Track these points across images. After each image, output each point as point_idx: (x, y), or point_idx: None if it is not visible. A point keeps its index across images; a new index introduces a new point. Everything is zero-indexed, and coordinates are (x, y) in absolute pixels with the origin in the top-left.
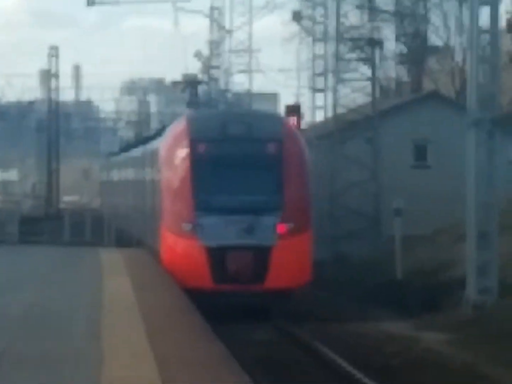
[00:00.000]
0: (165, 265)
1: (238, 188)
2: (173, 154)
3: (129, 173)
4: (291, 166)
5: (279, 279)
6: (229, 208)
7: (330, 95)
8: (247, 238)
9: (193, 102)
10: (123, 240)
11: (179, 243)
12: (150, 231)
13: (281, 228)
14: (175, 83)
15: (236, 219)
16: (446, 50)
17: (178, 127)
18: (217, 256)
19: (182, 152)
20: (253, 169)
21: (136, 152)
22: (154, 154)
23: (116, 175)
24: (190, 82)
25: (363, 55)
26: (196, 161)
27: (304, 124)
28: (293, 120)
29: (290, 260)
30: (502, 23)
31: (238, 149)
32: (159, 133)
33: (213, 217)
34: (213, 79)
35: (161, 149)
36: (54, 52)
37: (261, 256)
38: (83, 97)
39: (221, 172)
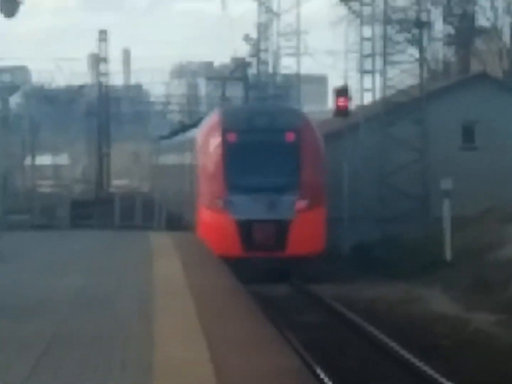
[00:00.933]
0: (201, 236)
1: (262, 170)
2: (208, 142)
3: (174, 158)
4: (307, 152)
5: (298, 247)
6: (255, 188)
7: (378, 77)
8: (270, 213)
9: (225, 97)
10: (173, 224)
11: (213, 217)
12: (190, 209)
13: (299, 204)
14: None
15: (260, 197)
16: (493, 31)
17: (212, 119)
18: (245, 228)
19: (215, 141)
20: (274, 154)
21: (180, 138)
22: (192, 142)
23: (164, 159)
24: (240, 65)
25: (410, 37)
26: (227, 148)
27: (352, 106)
28: (342, 100)
29: (306, 232)
30: None
31: (262, 138)
32: (197, 123)
33: (242, 195)
34: (261, 62)
35: (198, 138)
36: (103, 36)
37: (282, 228)
38: (133, 81)
39: (248, 157)
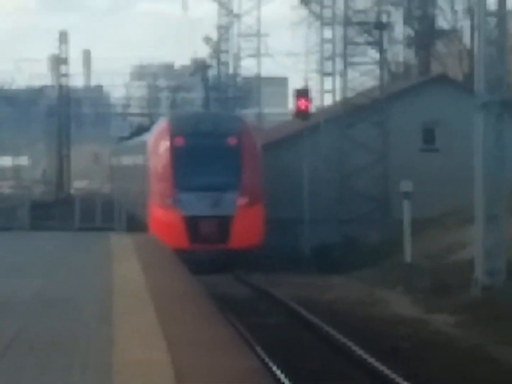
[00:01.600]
0: (152, 231)
1: (207, 171)
2: (158, 146)
3: (130, 160)
4: (246, 155)
5: (238, 240)
6: (200, 187)
7: (338, 79)
8: (213, 210)
9: (174, 105)
10: (134, 225)
11: (162, 213)
12: (142, 208)
13: (239, 201)
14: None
15: (205, 195)
16: (453, 33)
17: (161, 125)
18: (192, 223)
19: (164, 144)
20: (217, 157)
21: (135, 141)
22: (144, 145)
23: (122, 160)
24: (200, 67)
25: (371, 39)
26: (174, 151)
27: (312, 108)
28: (302, 102)
29: (246, 226)
30: (509, 5)
31: (206, 142)
32: (148, 127)
33: (188, 193)
34: (222, 64)
35: (148, 142)
36: (63, 37)
37: (224, 223)
38: (93, 82)
39: (194, 159)
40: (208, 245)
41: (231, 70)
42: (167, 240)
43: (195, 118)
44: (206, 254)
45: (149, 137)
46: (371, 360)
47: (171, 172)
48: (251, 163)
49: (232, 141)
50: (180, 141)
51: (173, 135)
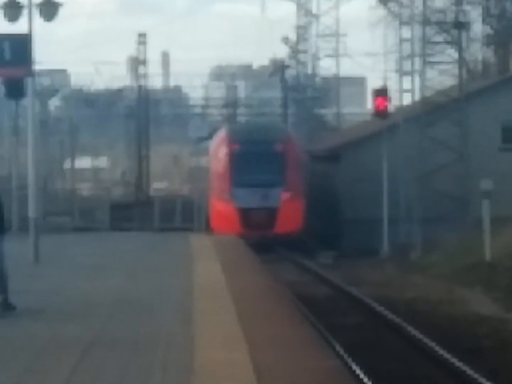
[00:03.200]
0: (212, 221)
1: (258, 171)
2: (218, 150)
3: (204, 161)
4: (290, 158)
5: (282, 227)
6: (252, 184)
7: (417, 78)
8: (263, 202)
9: (232, 117)
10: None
11: (222, 206)
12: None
13: (284, 196)
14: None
15: (256, 190)
16: None
17: (221, 133)
18: (245, 213)
19: (224, 150)
20: (266, 160)
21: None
22: (208, 150)
23: (199, 162)
24: (278, 67)
25: (449, 38)
26: (232, 155)
27: (391, 108)
28: (381, 102)
29: (289, 216)
30: None
31: (258, 147)
32: (213, 134)
33: (243, 189)
34: (300, 64)
35: (211, 147)
36: (142, 39)
37: (271, 213)
38: (172, 83)
39: (247, 162)
40: (258, 231)
41: (309, 70)
42: (225, 227)
43: (248, 128)
44: (257, 238)
45: (212, 143)
46: (454, 360)
47: (229, 171)
48: (294, 165)
49: (278, 147)
50: (236, 146)
51: (230, 142)
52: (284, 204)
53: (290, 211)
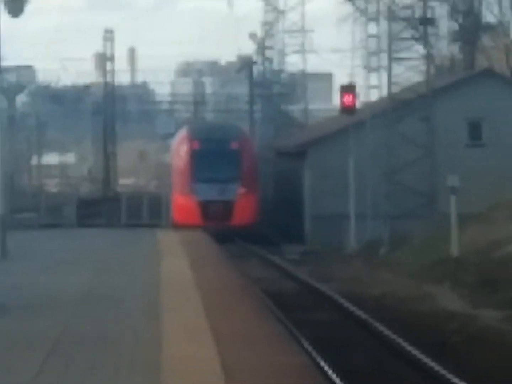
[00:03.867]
0: (174, 213)
1: (216, 167)
2: (180, 148)
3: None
4: (245, 156)
5: (238, 219)
6: (210, 179)
7: (384, 74)
8: (220, 196)
9: (194, 120)
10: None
11: (183, 199)
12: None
13: (239, 190)
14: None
15: (214, 185)
16: (500, 27)
17: (182, 132)
18: (204, 206)
19: (184, 147)
20: (223, 157)
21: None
22: (170, 147)
23: (168, 158)
24: (245, 63)
25: (416, 34)
26: (192, 152)
27: (358, 104)
28: (348, 98)
29: (244, 208)
30: None
31: (215, 146)
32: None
33: (202, 184)
34: (267, 60)
35: (173, 145)
36: (109, 35)
37: (228, 206)
38: (139, 79)
39: (206, 159)
40: (216, 222)
41: (276, 66)
42: (186, 219)
43: (207, 127)
44: (215, 229)
45: (173, 142)
46: (421, 356)
47: (189, 167)
48: (248, 162)
49: (234, 145)
50: (196, 144)
51: (191, 140)
52: (239, 198)
53: (245, 204)
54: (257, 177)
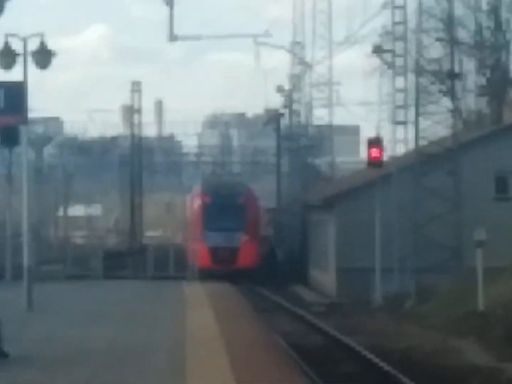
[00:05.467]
0: (189, 257)
1: (224, 218)
2: (194, 201)
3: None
4: (249, 209)
5: (242, 262)
6: (219, 228)
7: (411, 128)
8: (227, 243)
9: (209, 177)
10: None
11: (197, 244)
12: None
13: (243, 238)
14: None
15: (223, 233)
16: None
17: (196, 187)
18: (213, 251)
19: (198, 201)
20: (230, 209)
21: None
22: (186, 200)
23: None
24: (272, 116)
25: (444, 88)
26: (204, 206)
27: (385, 157)
28: (376, 151)
29: (247, 254)
30: None
31: (224, 200)
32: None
33: (212, 232)
34: (294, 113)
35: (188, 198)
36: (136, 87)
37: (234, 252)
38: (166, 131)
39: (216, 211)
40: (223, 266)
41: (303, 119)
42: (198, 261)
43: (217, 184)
44: (222, 271)
45: (188, 196)
46: None
47: (201, 218)
48: (252, 214)
49: (240, 200)
50: (207, 198)
51: (203, 195)
52: (243, 245)
53: (248, 250)
54: (259, 227)
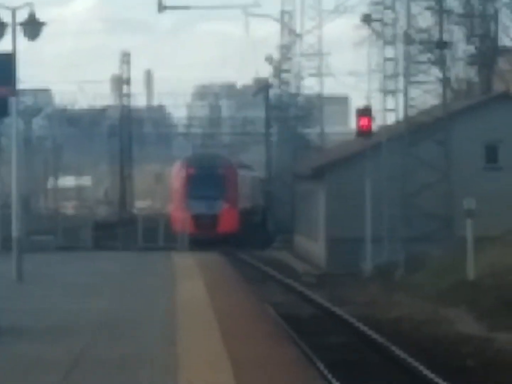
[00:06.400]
0: (172, 224)
1: (205, 188)
2: (178, 173)
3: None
4: (228, 179)
5: (223, 228)
6: (201, 196)
7: (401, 98)
8: (209, 210)
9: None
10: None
11: (179, 212)
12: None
13: (223, 205)
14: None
15: (205, 201)
16: None
17: (180, 161)
18: (196, 218)
19: (182, 172)
20: (212, 179)
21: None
22: (171, 172)
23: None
24: (262, 87)
25: (433, 57)
26: (187, 176)
27: (375, 127)
28: (365, 121)
29: (227, 220)
30: None
31: (206, 171)
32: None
33: (195, 200)
34: (284, 83)
35: (173, 170)
36: (126, 58)
37: (215, 218)
38: (155, 102)
39: (199, 181)
40: (205, 232)
41: (292, 90)
42: (181, 228)
43: (199, 157)
44: (204, 236)
45: (173, 168)
46: (438, 379)
47: (185, 188)
48: (231, 184)
49: (220, 171)
50: (190, 170)
51: (187, 167)
52: (223, 212)
53: (227, 217)
54: (237, 195)
